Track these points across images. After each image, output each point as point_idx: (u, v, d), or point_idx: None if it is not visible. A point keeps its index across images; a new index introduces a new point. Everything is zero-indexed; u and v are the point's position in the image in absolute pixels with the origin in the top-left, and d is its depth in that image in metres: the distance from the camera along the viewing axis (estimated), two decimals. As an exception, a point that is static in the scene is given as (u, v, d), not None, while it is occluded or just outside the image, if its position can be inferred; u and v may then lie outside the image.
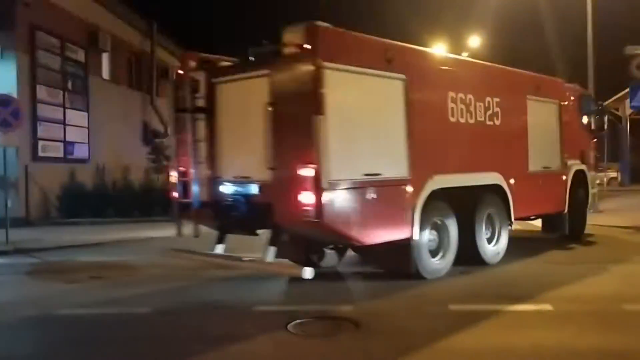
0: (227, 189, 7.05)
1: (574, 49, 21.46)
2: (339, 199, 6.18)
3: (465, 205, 7.94)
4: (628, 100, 14.35)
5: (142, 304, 6.31)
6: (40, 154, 15.69)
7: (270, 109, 6.40)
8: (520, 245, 9.61)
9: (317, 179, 6.01)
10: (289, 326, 5.30)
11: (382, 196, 6.66)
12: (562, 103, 10.35)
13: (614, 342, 4.79)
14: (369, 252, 7.25)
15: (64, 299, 6.78)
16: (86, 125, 17.71)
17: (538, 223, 11.25)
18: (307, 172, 6.03)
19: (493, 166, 8.48)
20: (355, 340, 4.97)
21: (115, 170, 17.59)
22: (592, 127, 11.80)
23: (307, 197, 6.01)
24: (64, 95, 16.78)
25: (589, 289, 6.80)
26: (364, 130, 6.58)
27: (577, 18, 17.41)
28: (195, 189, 7.12)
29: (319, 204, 5.98)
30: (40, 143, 15.70)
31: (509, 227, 8.87)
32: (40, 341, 5.28)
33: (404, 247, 7.00)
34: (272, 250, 6.44)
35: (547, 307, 5.87)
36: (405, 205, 6.96)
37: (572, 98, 10.83)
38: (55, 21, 16.32)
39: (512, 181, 8.70)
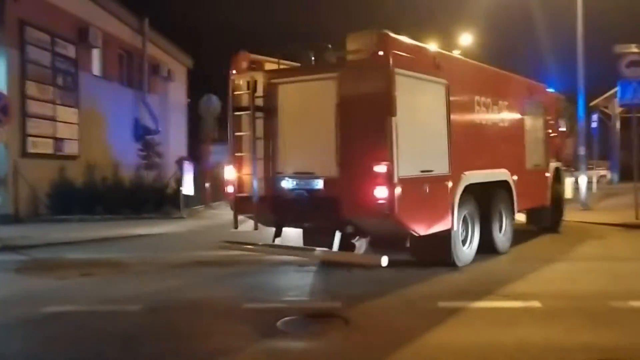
0: (288, 184, 7.44)
1: (564, 47, 21.57)
2: (405, 193, 6.72)
3: (484, 199, 8.66)
4: (618, 98, 14.41)
5: (132, 302, 6.29)
6: (30, 150, 15.58)
7: (340, 110, 6.91)
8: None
9: (390, 175, 6.59)
10: (278, 323, 5.31)
11: (434, 191, 7.38)
12: (545, 106, 11.36)
13: (601, 338, 4.83)
14: (411, 244, 7.47)
15: (54, 296, 6.75)
16: (76, 121, 17.58)
17: (520, 217, 11.40)
18: (382, 168, 6.59)
19: (502, 164, 9.32)
20: (344, 338, 4.99)
21: (106, 167, 17.50)
22: (565, 128, 13.10)
23: (381, 192, 6.56)
24: (53, 91, 16.64)
25: (576, 286, 6.85)
26: (419, 130, 7.26)
27: (568, 16, 17.49)
28: (254, 184, 7.47)
29: (391, 198, 6.55)
30: (30, 139, 15.59)
31: (513, 219, 9.70)
32: (29, 339, 5.26)
33: (445, 238, 7.67)
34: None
35: (536, 303, 5.92)
36: (448, 199, 7.69)
37: (551, 101, 11.88)
38: (45, 16, 16.19)
39: (515, 177, 9.52)
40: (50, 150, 16.44)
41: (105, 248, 10.77)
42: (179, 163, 17.30)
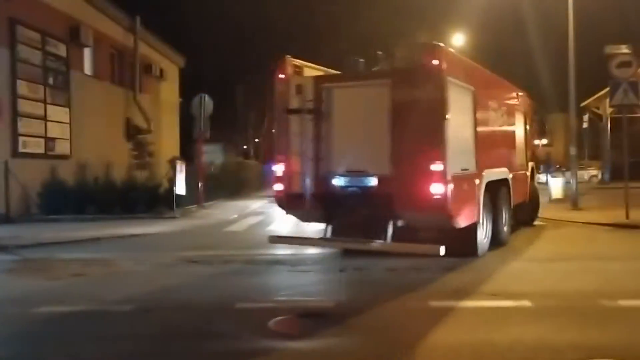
0: (340, 181, 8.02)
1: (555, 49, 21.70)
2: (454, 189, 7.50)
3: (492, 195, 9.33)
4: (608, 99, 14.53)
5: (124, 302, 6.28)
6: (21, 149, 15.49)
7: (393, 113, 7.62)
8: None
9: (444, 173, 7.34)
10: (270, 323, 5.32)
11: (469, 187, 8.21)
12: (525, 110, 12.52)
13: (591, 337, 4.87)
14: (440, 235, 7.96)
15: (45, 297, 6.72)
16: (68, 121, 17.51)
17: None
18: (438, 167, 7.30)
19: (504, 163, 10.28)
20: (336, 337, 5.00)
21: (97, 166, 17.43)
22: (538, 131, 14.63)
23: (437, 188, 7.28)
24: (45, 91, 16.56)
25: (567, 285, 6.90)
26: (459, 131, 7.96)
27: (559, 18, 17.60)
28: (305, 182, 8.08)
29: (445, 194, 7.31)
30: (21, 139, 15.50)
31: (510, 213, 10.55)
32: (20, 339, 5.23)
33: (471, 230, 8.35)
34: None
35: (527, 303, 5.96)
36: (476, 195, 8.49)
37: (527, 105, 13.07)
38: (36, 15, 16.10)
39: (511, 176, 10.44)
40: (41, 150, 16.36)
41: (97, 248, 10.73)
42: (172, 162, 17.25)
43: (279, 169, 8.48)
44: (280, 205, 8.85)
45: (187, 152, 25.65)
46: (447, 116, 7.52)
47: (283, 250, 10.25)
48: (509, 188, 10.29)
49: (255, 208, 20.80)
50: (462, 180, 7.86)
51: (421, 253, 7.73)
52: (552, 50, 26.97)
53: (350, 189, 7.94)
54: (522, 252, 9.64)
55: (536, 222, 13.59)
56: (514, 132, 11.37)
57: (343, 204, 7.92)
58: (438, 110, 7.49)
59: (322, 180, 8.10)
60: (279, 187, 8.55)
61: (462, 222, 7.85)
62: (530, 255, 9.24)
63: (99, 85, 19.97)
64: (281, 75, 8.44)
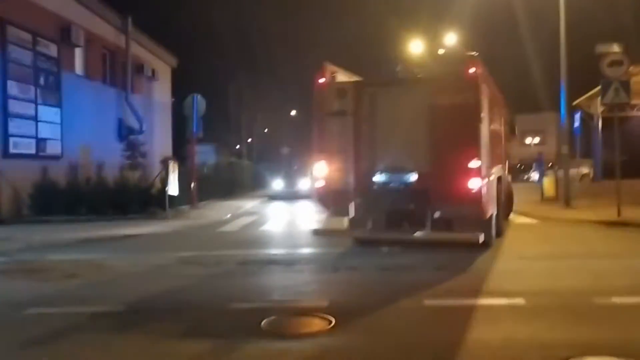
0: (381, 178, 8.87)
1: (547, 48, 21.78)
2: (487, 184, 8.53)
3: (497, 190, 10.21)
4: (599, 98, 14.59)
5: (116, 303, 6.23)
6: (12, 150, 15.40)
7: (432, 116, 8.49)
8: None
9: (480, 169, 8.30)
10: (263, 323, 5.30)
11: (490, 182, 9.14)
12: (504, 112, 13.10)
13: (583, 334, 4.88)
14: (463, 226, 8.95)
15: (36, 298, 6.66)
16: (59, 121, 17.42)
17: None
18: (475, 164, 8.26)
19: (499, 161, 11.07)
20: (330, 337, 4.98)
21: (89, 167, 17.35)
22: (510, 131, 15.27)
23: (474, 183, 8.23)
24: (35, 91, 16.49)
25: (560, 283, 6.91)
26: (485, 132, 8.84)
27: (550, 17, 17.67)
28: (349, 179, 8.91)
29: (480, 188, 8.26)
30: (12, 139, 15.42)
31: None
32: (10, 341, 5.17)
33: (490, 221, 9.18)
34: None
35: (520, 301, 5.96)
36: (495, 189, 9.53)
37: (506, 107, 13.70)
38: (27, 15, 16.01)
39: (502, 172, 11.45)
40: (32, 151, 16.27)
41: (89, 249, 10.66)
42: (164, 163, 17.19)
43: (319, 167, 9.15)
44: (321, 201, 9.47)
45: (180, 152, 25.59)
46: (482, 118, 8.47)
47: (276, 250, 10.24)
48: (501, 184, 10.95)
49: (249, 208, 20.79)
50: (487, 176, 8.78)
51: (462, 240, 8.80)
52: (543, 49, 27.09)
53: (391, 184, 8.80)
54: (515, 251, 9.66)
55: (529, 220, 13.69)
56: (501, 132, 12.13)
57: (384, 198, 8.75)
58: (475, 113, 8.41)
59: (364, 177, 8.89)
60: (320, 184, 9.23)
61: (488, 213, 8.76)
62: (523, 254, 9.26)
63: (90, 85, 19.89)
64: (321, 80, 9.15)
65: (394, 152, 8.83)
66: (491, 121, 9.65)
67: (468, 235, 8.58)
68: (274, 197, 27.00)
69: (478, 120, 8.44)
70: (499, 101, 11.28)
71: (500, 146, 11.65)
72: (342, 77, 9.72)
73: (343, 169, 8.99)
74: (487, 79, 9.14)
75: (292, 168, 37.32)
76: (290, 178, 28.59)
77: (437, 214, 8.60)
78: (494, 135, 10.03)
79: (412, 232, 8.64)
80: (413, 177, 8.71)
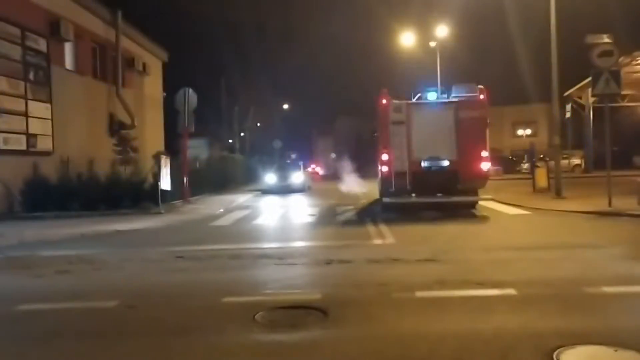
0: (425, 163, 13.89)
1: (538, 38, 21.81)
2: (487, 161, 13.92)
3: None
4: (590, 88, 14.64)
5: (109, 298, 6.23)
6: (2, 146, 15.31)
7: (457, 124, 13.79)
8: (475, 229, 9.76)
9: (488, 157, 13.80)
10: (257, 316, 5.31)
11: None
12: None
13: (575, 324, 4.92)
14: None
15: (28, 294, 6.64)
16: (49, 117, 17.31)
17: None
18: (485, 154, 13.65)
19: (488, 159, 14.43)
20: (323, 329, 5.00)
21: (81, 162, 17.25)
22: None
23: (485, 165, 13.73)
24: (25, 86, 16.36)
25: (551, 273, 6.96)
26: None
27: (541, 7, 17.69)
28: (404, 165, 13.79)
29: (488, 169, 13.97)
30: (2, 135, 15.31)
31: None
32: (3, 338, 5.17)
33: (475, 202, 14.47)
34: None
35: (511, 291, 6.01)
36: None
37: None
38: (15, 10, 15.87)
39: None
40: (22, 147, 16.17)
41: (81, 245, 10.62)
42: (156, 158, 17.12)
43: (385, 156, 13.98)
44: (385, 180, 14.05)
45: (172, 146, 25.47)
46: (488, 125, 13.97)
47: (269, 244, 10.26)
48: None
49: (242, 202, 20.76)
50: (488, 160, 14.09)
51: (475, 201, 14.32)
52: (534, 40, 27.13)
53: (432, 168, 13.87)
54: (506, 241, 9.73)
55: (521, 211, 13.79)
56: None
57: (428, 177, 13.77)
58: (484, 123, 13.89)
59: (414, 164, 13.84)
60: (385, 168, 14.00)
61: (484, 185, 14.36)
62: (514, 244, 9.33)
63: (80, 80, 19.75)
64: (384, 101, 14.16)
65: (433, 147, 13.88)
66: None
67: (477, 198, 14.23)
68: (267, 191, 26.63)
69: (486, 126, 13.95)
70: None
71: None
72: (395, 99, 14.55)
73: (400, 158, 13.83)
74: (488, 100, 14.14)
75: (285, 161, 37.15)
76: (283, 171, 28.13)
77: (460, 186, 13.72)
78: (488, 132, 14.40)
79: (443, 197, 14.01)
80: (446, 163, 13.91)
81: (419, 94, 14.89)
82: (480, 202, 14.69)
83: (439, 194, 14.09)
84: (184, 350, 4.62)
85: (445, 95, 14.60)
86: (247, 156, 43.01)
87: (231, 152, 42.49)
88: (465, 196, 13.93)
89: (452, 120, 13.83)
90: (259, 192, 26.81)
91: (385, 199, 14.05)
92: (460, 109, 13.79)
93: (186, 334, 5.01)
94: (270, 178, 27.78)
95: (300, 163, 32.22)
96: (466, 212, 14.02)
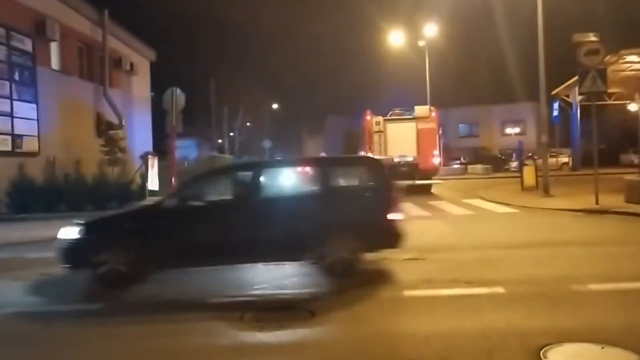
0: (396, 159, 19.58)
1: (525, 37, 21.91)
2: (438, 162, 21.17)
3: None
4: (578, 87, 14.69)
5: (93, 300, 6.17)
6: (-13, 147, 15.11)
7: (417, 133, 20.12)
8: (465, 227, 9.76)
9: (438, 155, 20.70)
10: (244, 317, 5.27)
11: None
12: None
13: (562, 322, 4.93)
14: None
15: (12, 297, 6.57)
16: (35, 117, 17.12)
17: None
18: (436, 152, 20.32)
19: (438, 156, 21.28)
20: (310, 329, 4.97)
21: (67, 163, 17.08)
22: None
23: (436, 161, 20.51)
24: (10, 87, 16.17)
25: (538, 271, 6.98)
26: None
27: (528, 6, 17.76)
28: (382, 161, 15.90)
29: (438, 163, 21.19)
30: (-13, 136, 15.12)
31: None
32: (-15, 341, 5.09)
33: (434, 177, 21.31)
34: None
35: (499, 289, 6.01)
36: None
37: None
38: (0, 10, 15.67)
39: None
40: (8, 148, 15.98)
41: (67, 246, 10.48)
42: (144, 158, 16.98)
43: (370, 155, 18.82)
44: None
45: (161, 147, 25.30)
46: (438, 135, 20.28)
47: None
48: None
49: None
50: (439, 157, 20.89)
51: (428, 184, 20.45)
52: (522, 39, 27.25)
53: (401, 162, 19.65)
54: (494, 239, 9.75)
55: (509, 210, 13.86)
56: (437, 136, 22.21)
57: (398, 168, 18.94)
58: (436, 133, 20.37)
59: (389, 159, 19.00)
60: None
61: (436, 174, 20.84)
62: (502, 242, 9.35)
63: (67, 80, 19.56)
64: (368, 117, 20.63)
65: (401, 149, 20.11)
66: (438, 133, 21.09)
67: (431, 182, 20.65)
68: None
69: (436, 134, 20.55)
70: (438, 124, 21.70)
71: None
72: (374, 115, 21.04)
73: (379, 156, 18.85)
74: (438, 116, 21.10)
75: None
76: None
77: (418, 175, 19.69)
78: (438, 138, 20.99)
79: (409, 181, 19.01)
80: (410, 159, 20.06)
81: (390, 112, 21.45)
82: (470, 201, 16.14)
83: (404, 181, 18.39)
84: (169, 352, 4.57)
85: (409, 113, 20.89)
86: (237, 156, 42.86)
87: (221, 152, 42.35)
88: (422, 180, 20.25)
89: (413, 130, 20.46)
90: None
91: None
92: (419, 123, 20.47)
93: (172, 335, 4.96)
94: None
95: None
96: (426, 195, 19.77)
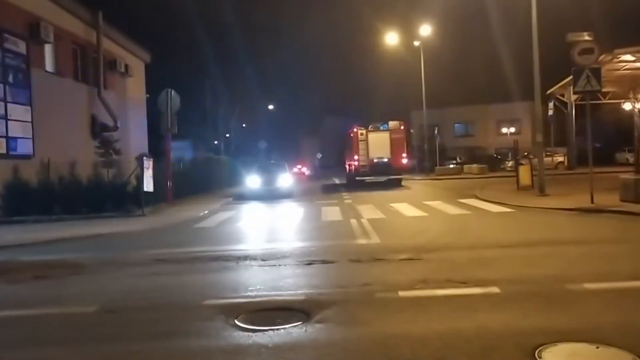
0: (375, 160, 27.35)
1: (520, 37, 21.94)
2: (406, 162, 29.43)
3: None
4: (572, 86, 14.72)
5: (88, 303, 6.13)
6: (-19, 150, 15.04)
7: (391, 141, 27.56)
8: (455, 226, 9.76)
9: (406, 157, 28.92)
10: (238, 319, 5.24)
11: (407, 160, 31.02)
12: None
13: (557, 321, 4.91)
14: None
15: (6, 300, 6.52)
16: (29, 119, 17.06)
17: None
18: (405, 154, 28.28)
19: (407, 157, 30.21)
20: (305, 331, 4.95)
21: (62, 165, 17.01)
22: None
23: (405, 161, 28.56)
24: (4, 89, 16.11)
25: (534, 270, 6.97)
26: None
27: (523, 6, 17.78)
28: (365, 161, 27.41)
29: (407, 163, 29.79)
30: (-20, 139, 15.05)
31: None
32: (-23, 346, 5.05)
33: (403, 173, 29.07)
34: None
35: (494, 289, 6.00)
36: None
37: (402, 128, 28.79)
38: (-8, 11, 15.62)
39: None
40: (2, 150, 15.93)
41: (61, 249, 10.47)
42: (139, 160, 16.93)
43: (356, 157, 27.34)
44: (356, 169, 27.57)
45: (156, 148, 25.24)
46: (407, 143, 29.07)
47: (252, 246, 10.19)
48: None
49: (226, 204, 20.60)
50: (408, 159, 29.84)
51: (399, 178, 27.80)
52: (517, 38, 27.28)
53: (379, 162, 27.11)
54: (489, 239, 9.74)
55: (504, 209, 13.89)
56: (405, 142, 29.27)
57: (377, 166, 27.06)
58: (404, 141, 28.29)
59: (370, 160, 27.25)
60: (356, 163, 27.35)
61: (404, 171, 28.73)
62: (497, 242, 9.34)
63: (61, 82, 19.49)
64: (355, 130, 27.92)
65: (379, 152, 27.27)
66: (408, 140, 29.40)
67: (400, 177, 27.84)
68: (248, 196, 22.55)
69: (404, 142, 28.13)
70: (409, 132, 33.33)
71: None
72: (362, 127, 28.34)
73: (364, 158, 27.17)
74: (408, 128, 32.15)
75: (269, 161, 35.52)
76: (267, 173, 23.74)
77: (392, 172, 26.98)
78: (408, 144, 29.01)
79: (385, 177, 27.07)
80: (385, 160, 27.23)
81: (370, 125, 28.28)
82: (465, 201, 16.26)
83: (382, 176, 27.42)
84: (163, 355, 4.54)
85: (385, 126, 27.91)
86: (233, 157, 42.77)
87: (216, 153, 42.27)
88: (395, 176, 27.56)
89: (388, 139, 27.59)
90: (230, 199, 22.41)
91: (357, 177, 27.89)
92: (392, 134, 27.66)
93: (166, 338, 4.93)
94: (253, 181, 23.48)
95: (286, 164, 27.39)
96: (398, 186, 27.06)
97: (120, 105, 23.73)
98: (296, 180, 31.24)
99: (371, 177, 27.34)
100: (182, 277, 7.55)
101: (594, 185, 13.53)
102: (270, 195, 22.03)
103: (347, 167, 31.34)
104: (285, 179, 23.70)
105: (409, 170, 31.11)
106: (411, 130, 36.39)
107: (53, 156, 17.18)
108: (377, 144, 27.31)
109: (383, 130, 27.59)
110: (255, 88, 51.29)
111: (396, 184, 27.33)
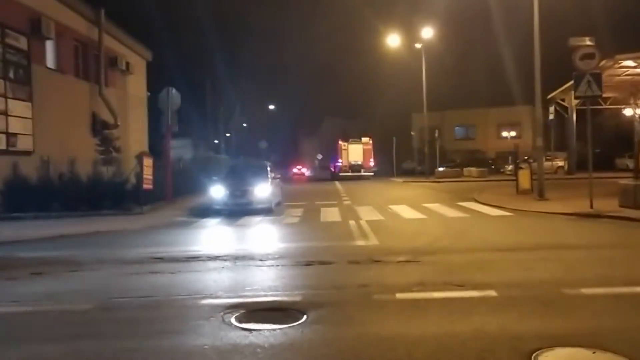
0: (352, 163, 42.33)
1: (522, 41, 21.96)
2: (373, 164, 43.61)
3: None
4: (573, 91, 14.72)
5: (84, 300, 6.12)
6: (-20, 146, 15.03)
7: (363, 151, 42.62)
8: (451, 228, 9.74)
9: (373, 160, 43.19)
10: (235, 319, 5.23)
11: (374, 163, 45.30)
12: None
13: (554, 325, 4.91)
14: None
15: (2, 296, 6.50)
16: (30, 116, 17.05)
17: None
18: (372, 158, 42.88)
19: (373, 162, 45.21)
20: (302, 331, 4.94)
21: (62, 162, 17.00)
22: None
23: (372, 164, 42.95)
24: (5, 85, 16.09)
25: (531, 274, 6.97)
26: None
27: (525, 10, 17.78)
28: (347, 164, 42.33)
29: (374, 165, 43.32)
30: (-20, 135, 15.04)
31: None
32: (-28, 341, 5.03)
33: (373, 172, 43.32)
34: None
35: (491, 293, 5.99)
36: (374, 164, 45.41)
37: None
38: (-6, 7, 15.61)
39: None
40: (2, 146, 15.91)
41: (59, 246, 10.46)
42: (139, 158, 16.93)
43: (340, 161, 42.35)
44: (340, 169, 42.20)
45: (156, 147, 25.24)
46: (374, 151, 42.90)
47: (249, 245, 10.18)
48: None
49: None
50: (375, 163, 43.74)
51: (369, 175, 41.97)
52: (519, 42, 27.29)
53: (355, 165, 42.02)
54: (487, 242, 9.73)
55: (503, 213, 13.87)
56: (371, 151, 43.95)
57: (354, 167, 41.93)
58: (372, 150, 42.81)
59: (350, 163, 42.21)
60: (340, 165, 42.32)
61: (371, 170, 42.70)
62: (495, 245, 9.33)
63: (62, 79, 19.49)
64: (340, 142, 43.15)
65: (355, 158, 42.29)
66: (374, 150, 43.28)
67: (371, 174, 41.94)
68: (211, 211, 16.08)
69: (372, 151, 42.65)
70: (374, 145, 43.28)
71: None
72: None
73: (345, 162, 42.18)
74: (374, 142, 43.08)
75: (244, 163, 24.63)
76: (239, 181, 16.72)
77: (364, 171, 41.73)
78: (374, 153, 43.14)
79: (362, 175, 41.44)
80: (359, 163, 42.12)
81: (350, 139, 41.85)
82: (464, 204, 16.29)
83: (357, 173, 40.40)
84: (158, 354, 4.53)
85: (359, 140, 41.65)
86: (233, 157, 42.78)
87: (217, 152, 42.29)
88: (367, 173, 40.54)
89: (361, 149, 41.57)
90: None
91: (341, 174, 40.83)
92: (364, 145, 41.70)
93: (162, 337, 4.92)
94: (217, 191, 16.43)
95: (268, 165, 19.03)
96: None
97: (121, 103, 23.74)
98: (281, 189, 20.16)
99: (349, 174, 41.01)
100: (178, 276, 7.54)
101: (593, 191, 13.52)
102: (240, 211, 15.72)
103: (332, 167, 46.02)
104: (263, 189, 16.35)
105: (374, 170, 42.63)
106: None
107: (53, 153, 17.18)
108: (354, 152, 42.03)
109: (358, 142, 42.35)
110: (256, 88, 51.31)
111: (367, 179, 40.42)
